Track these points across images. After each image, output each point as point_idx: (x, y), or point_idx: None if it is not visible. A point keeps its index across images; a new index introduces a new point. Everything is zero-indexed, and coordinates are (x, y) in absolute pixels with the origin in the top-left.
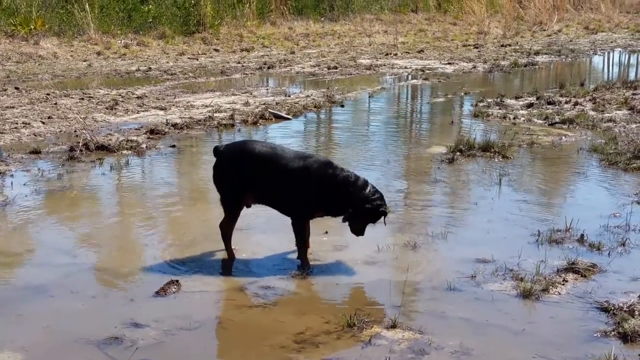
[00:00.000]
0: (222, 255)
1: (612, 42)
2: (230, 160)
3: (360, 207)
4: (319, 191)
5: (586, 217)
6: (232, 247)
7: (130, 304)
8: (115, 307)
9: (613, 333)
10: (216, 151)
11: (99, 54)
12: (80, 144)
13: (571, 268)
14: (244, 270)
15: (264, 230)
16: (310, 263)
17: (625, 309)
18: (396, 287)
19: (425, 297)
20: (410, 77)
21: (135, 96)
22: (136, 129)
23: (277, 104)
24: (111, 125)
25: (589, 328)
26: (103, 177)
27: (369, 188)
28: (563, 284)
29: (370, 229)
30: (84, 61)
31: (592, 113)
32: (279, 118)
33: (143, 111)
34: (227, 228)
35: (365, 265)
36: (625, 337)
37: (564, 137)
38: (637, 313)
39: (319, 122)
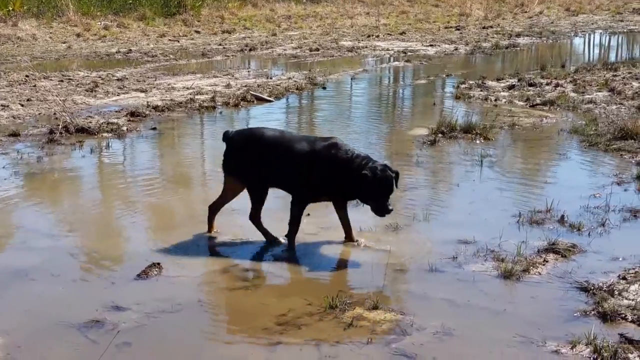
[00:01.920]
0: (204, 237)
1: (592, 23)
2: (240, 145)
3: (360, 177)
4: (324, 173)
5: (567, 198)
6: (215, 230)
7: (112, 287)
8: (97, 291)
9: (593, 312)
10: (226, 136)
11: (78, 35)
12: (60, 127)
13: (551, 248)
14: (226, 253)
15: (246, 212)
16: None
17: (604, 288)
18: (378, 269)
19: (407, 279)
20: (392, 59)
21: (116, 78)
22: (116, 112)
23: (258, 86)
24: (91, 107)
25: (569, 308)
26: (83, 160)
27: (365, 160)
28: (543, 265)
29: (351, 211)
30: (64, 43)
31: (572, 94)
32: (260, 100)
33: (123, 93)
34: (255, 211)
35: (347, 247)
36: (605, 317)
37: (544, 119)
38: (616, 293)
39: (301, 104)
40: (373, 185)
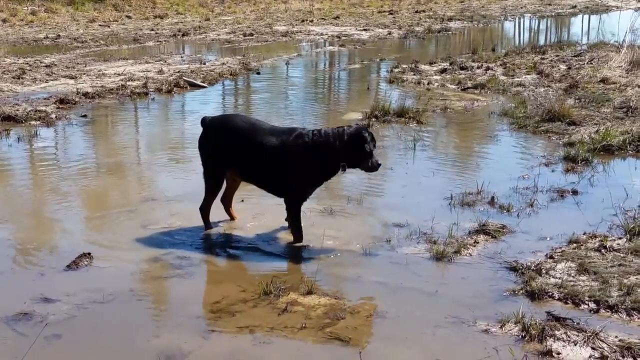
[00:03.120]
0: (136, 226)
1: (522, 7)
2: (213, 132)
3: (356, 140)
4: (304, 163)
5: (497, 180)
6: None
7: (41, 278)
8: (25, 283)
9: (521, 291)
10: (203, 122)
11: (4, 21)
12: None
13: (482, 230)
14: (160, 241)
15: (181, 199)
16: (227, 232)
17: (533, 268)
18: (313, 253)
19: (341, 262)
20: (326, 43)
21: (44, 65)
22: (45, 99)
23: (192, 71)
24: (18, 95)
25: (498, 287)
26: (10, 148)
27: (339, 131)
28: (474, 246)
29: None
30: None
31: (502, 78)
32: (194, 86)
33: (52, 80)
34: (206, 202)
35: (281, 232)
36: (533, 295)
37: (475, 102)
38: (544, 271)
39: (236, 90)
40: (369, 143)
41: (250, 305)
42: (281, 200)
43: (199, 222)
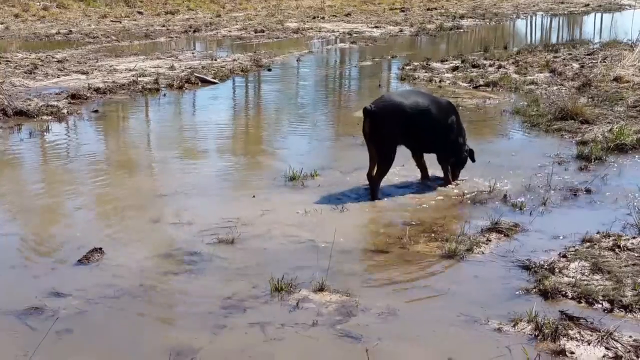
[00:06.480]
0: (147, 221)
1: (534, 5)
2: (388, 115)
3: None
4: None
5: (509, 178)
6: None
7: (52, 273)
8: (36, 277)
9: (534, 290)
10: (368, 111)
11: (16, 16)
12: None
13: (494, 228)
14: (171, 236)
15: (190, 194)
16: (238, 227)
17: (545, 266)
18: (324, 250)
19: (353, 260)
20: (337, 40)
21: (56, 60)
22: (57, 94)
23: (203, 67)
24: (30, 90)
25: (511, 286)
26: (22, 143)
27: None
28: (487, 244)
29: (298, 193)
30: (1, 24)
31: (515, 76)
32: (205, 82)
33: (64, 75)
34: (380, 176)
35: (293, 228)
36: (546, 294)
37: (487, 100)
38: (557, 270)
39: (247, 86)
40: None
41: (261, 302)
42: (292, 196)
43: (210, 217)
